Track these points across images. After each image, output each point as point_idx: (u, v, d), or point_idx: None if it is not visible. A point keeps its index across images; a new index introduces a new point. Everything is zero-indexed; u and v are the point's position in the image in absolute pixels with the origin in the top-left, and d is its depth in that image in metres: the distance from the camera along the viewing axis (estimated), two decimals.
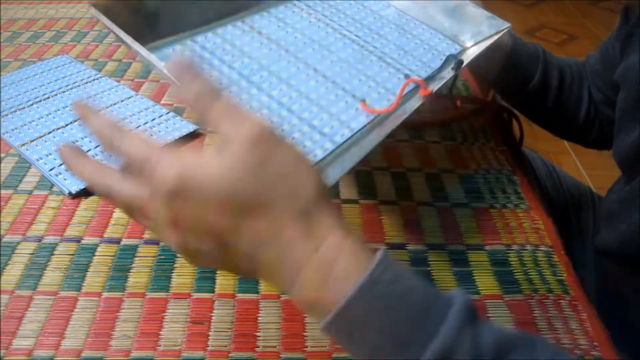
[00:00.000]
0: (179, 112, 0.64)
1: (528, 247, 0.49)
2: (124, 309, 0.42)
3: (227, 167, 0.27)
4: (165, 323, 0.41)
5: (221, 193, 0.27)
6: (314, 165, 0.30)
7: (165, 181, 0.27)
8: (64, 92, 0.66)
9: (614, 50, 0.57)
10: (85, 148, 0.57)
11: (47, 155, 0.56)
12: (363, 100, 0.47)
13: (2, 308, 0.41)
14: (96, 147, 0.57)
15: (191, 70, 0.30)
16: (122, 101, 0.65)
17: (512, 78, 0.62)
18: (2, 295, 0.42)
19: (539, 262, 0.48)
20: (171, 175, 0.27)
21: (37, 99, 0.65)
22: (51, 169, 0.54)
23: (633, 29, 0.53)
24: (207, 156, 0.28)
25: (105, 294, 0.43)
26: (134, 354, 0.39)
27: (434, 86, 0.49)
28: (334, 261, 0.27)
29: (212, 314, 0.42)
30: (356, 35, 0.55)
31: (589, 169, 1.67)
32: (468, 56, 0.56)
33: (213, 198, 0.27)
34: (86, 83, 0.68)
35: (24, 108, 0.63)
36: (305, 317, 0.42)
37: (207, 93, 0.29)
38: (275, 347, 0.40)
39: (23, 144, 0.57)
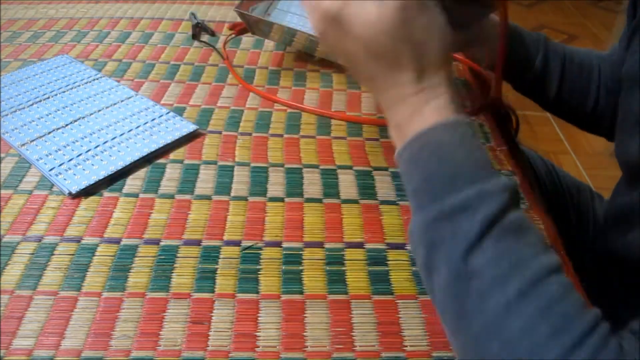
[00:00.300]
0: (179, 112, 0.64)
1: None
2: (124, 309, 0.42)
3: (379, 16, 0.34)
4: (165, 323, 0.41)
5: (366, 36, 0.34)
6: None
7: (327, 6, 0.35)
8: (64, 92, 0.66)
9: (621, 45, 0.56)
10: (84, 148, 0.57)
11: (47, 155, 0.56)
12: None
13: (2, 308, 0.41)
14: (96, 147, 0.57)
15: None
16: (122, 101, 0.65)
17: (512, 61, 0.60)
18: (2, 295, 0.42)
19: None
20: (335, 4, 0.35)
21: (37, 99, 0.65)
22: (51, 169, 0.54)
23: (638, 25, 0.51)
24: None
25: (105, 294, 0.43)
26: (134, 354, 0.39)
27: None
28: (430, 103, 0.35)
29: (212, 314, 0.42)
30: None
31: (589, 169, 1.68)
32: None
33: (359, 37, 0.35)
34: (86, 83, 0.68)
35: (24, 108, 0.63)
36: (305, 317, 0.42)
37: None
38: (275, 347, 0.40)
39: (23, 144, 0.57)
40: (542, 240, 0.32)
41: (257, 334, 0.41)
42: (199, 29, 0.84)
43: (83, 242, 0.47)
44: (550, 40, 0.62)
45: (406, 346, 0.40)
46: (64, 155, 0.56)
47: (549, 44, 0.62)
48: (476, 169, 0.33)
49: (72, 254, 0.46)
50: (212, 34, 0.84)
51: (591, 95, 0.62)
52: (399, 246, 0.49)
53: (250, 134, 0.62)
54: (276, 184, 0.55)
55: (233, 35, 0.84)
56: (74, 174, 0.53)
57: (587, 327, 0.28)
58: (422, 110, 0.35)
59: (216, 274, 0.45)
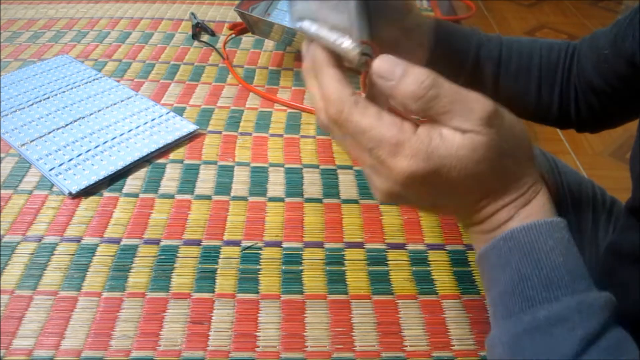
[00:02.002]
0: (179, 112, 0.64)
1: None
2: (124, 309, 0.42)
3: (470, 162, 0.29)
4: (165, 323, 0.41)
5: (459, 182, 0.30)
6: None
7: (403, 173, 0.29)
8: (64, 92, 0.66)
9: (631, 38, 0.52)
10: (84, 148, 0.57)
11: (47, 155, 0.56)
12: None
13: (2, 308, 0.41)
14: (96, 147, 0.57)
15: (400, 65, 0.29)
16: (122, 101, 0.65)
17: (443, 68, 0.57)
18: (2, 295, 0.42)
19: None
20: (409, 170, 0.29)
21: (37, 99, 0.65)
22: (51, 169, 0.54)
23: None
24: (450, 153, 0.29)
25: (105, 294, 0.43)
26: (134, 354, 0.39)
27: None
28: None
29: (212, 314, 0.42)
30: None
31: (589, 169, 1.68)
32: None
33: (449, 185, 0.30)
34: (86, 83, 0.68)
35: (24, 108, 0.63)
36: (305, 317, 0.42)
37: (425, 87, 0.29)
38: (275, 347, 0.40)
39: (23, 144, 0.57)
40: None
41: (257, 334, 0.41)
42: (199, 29, 0.84)
43: (83, 242, 0.47)
44: (484, 35, 0.59)
45: (406, 346, 0.40)
46: (64, 155, 0.56)
47: (482, 35, 0.59)
48: (575, 278, 0.29)
49: (72, 254, 0.46)
50: (212, 34, 0.84)
51: (532, 85, 0.60)
52: (399, 246, 0.49)
53: (250, 134, 0.62)
54: (276, 184, 0.55)
55: (233, 35, 0.84)
56: (74, 174, 0.53)
57: None
58: (512, 216, 0.31)
59: (216, 274, 0.45)
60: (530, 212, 0.31)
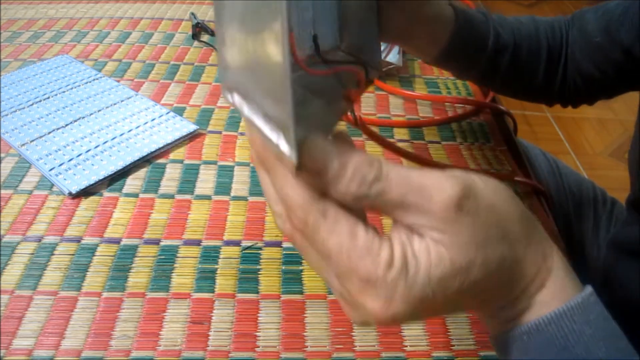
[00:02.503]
0: (179, 112, 0.64)
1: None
2: (124, 309, 0.42)
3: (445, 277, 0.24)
4: (165, 323, 0.41)
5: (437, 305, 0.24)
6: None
7: (379, 314, 0.24)
8: (64, 92, 0.66)
9: (627, 27, 0.51)
10: (84, 148, 0.57)
11: (47, 155, 0.56)
12: None
13: (2, 308, 0.41)
14: (96, 147, 0.57)
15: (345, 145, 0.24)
16: (122, 101, 0.65)
17: (465, 47, 0.52)
18: (2, 295, 0.42)
19: None
20: (386, 314, 0.24)
21: (37, 99, 0.65)
22: (51, 169, 0.54)
23: None
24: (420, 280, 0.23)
25: (105, 294, 0.43)
26: (134, 354, 0.39)
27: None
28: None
29: (212, 314, 0.42)
30: None
31: (589, 169, 1.68)
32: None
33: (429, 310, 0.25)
34: (86, 83, 0.68)
35: (24, 108, 0.63)
36: (305, 317, 0.42)
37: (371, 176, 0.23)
38: (275, 347, 0.40)
39: (23, 144, 0.57)
40: None
41: (257, 334, 0.41)
42: (199, 29, 0.84)
43: (83, 242, 0.47)
44: (494, 20, 0.55)
45: (406, 346, 0.40)
46: (64, 155, 0.56)
47: (495, 22, 0.55)
48: None
49: (72, 254, 0.46)
50: (212, 34, 0.84)
51: (540, 67, 0.58)
52: None
53: None
54: None
55: None
56: (74, 174, 0.53)
57: None
58: (528, 306, 0.26)
59: (216, 274, 0.45)
60: (549, 295, 0.26)
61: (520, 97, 0.62)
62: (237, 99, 0.25)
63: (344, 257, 0.23)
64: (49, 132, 0.59)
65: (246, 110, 0.24)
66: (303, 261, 0.46)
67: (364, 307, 0.24)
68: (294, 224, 0.24)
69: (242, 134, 0.62)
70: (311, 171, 0.23)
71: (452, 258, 0.23)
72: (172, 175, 0.55)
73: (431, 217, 0.23)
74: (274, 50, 0.21)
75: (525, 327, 0.26)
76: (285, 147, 0.22)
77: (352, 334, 0.41)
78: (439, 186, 0.23)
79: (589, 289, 0.27)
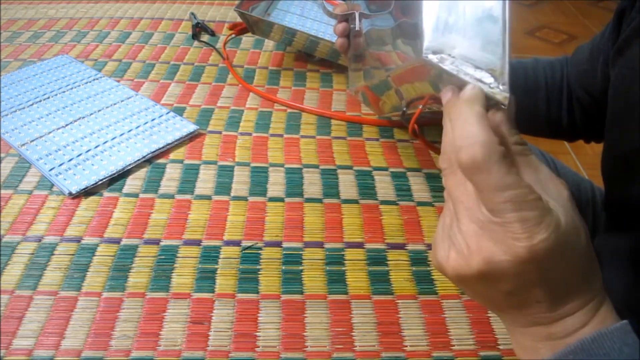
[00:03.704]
0: (179, 112, 0.64)
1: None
2: (124, 309, 0.42)
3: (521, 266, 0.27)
4: (165, 323, 0.41)
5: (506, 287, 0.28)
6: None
7: (538, 246, 0.26)
8: (64, 92, 0.66)
9: (604, 54, 0.55)
10: (85, 148, 0.57)
11: (47, 155, 0.56)
12: None
13: (2, 308, 0.41)
14: (96, 147, 0.57)
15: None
16: (122, 101, 0.65)
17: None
18: (2, 295, 0.42)
19: None
20: (545, 245, 0.26)
21: (37, 99, 0.65)
22: (51, 169, 0.54)
23: (631, 36, 0.48)
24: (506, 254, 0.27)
25: (105, 294, 0.43)
26: (134, 354, 0.39)
27: None
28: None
29: (212, 314, 0.42)
30: None
31: (589, 169, 1.67)
32: None
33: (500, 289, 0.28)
34: (86, 83, 0.68)
35: (24, 108, 0.63)
36: (306, 317, 0.42)
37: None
38: (275, 347, 0.40)
39: (23, 144, 0.57)
40: None
41: (257, 334, 0.41)
42: (199, 29, 0.84)
43: (83, 242, 0.47)
44: (538, 71, 0.62)
45: (406, 346, 0.40)
46: (64, 155, 0.56)
47: (545, 80, 0.61)
48: None
49: (72, 254, 0.46)
50: (212, 34, 0.84)
51: (540, 103, 0.62)
52: (399, 246, 0.49)
53: (250, 134, 0.62)
54: (276, 184, 0.55)
55: (233, 35, 0.84)
56: (74, 174, 0.53)
57: None
58: (587, 322, 0.29)
59: (216, 274, 0.45)
60: (603, 316, 0.29)
61: (536, 133, 0.66)
62: (441, 57, 0.31)
63: (518, 191, 0.26)
64: (49, 132, 0.59)
65: (452, 64, 0.30)
66: (303, 261, 0.47)
67: (505, 235, 0.26)
68: (473, 156, 0.26)
69: (242, 134, 0.62)
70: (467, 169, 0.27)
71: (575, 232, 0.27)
72: (172, 175, 0.55)
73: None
74: (496, 19, 0.29)
75: (572, 346, 0.28)
76: (496, 84, 0.29)
77: (352, 334, 0.41)
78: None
79: (625, 321, 0.29)
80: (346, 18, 0.59)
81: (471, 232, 0.27)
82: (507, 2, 0.29)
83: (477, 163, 0.26)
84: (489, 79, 0.29)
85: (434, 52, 0.32)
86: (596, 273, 0.30)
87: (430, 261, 0.47)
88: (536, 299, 0.28)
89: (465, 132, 0.27)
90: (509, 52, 0.29)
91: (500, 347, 0.41)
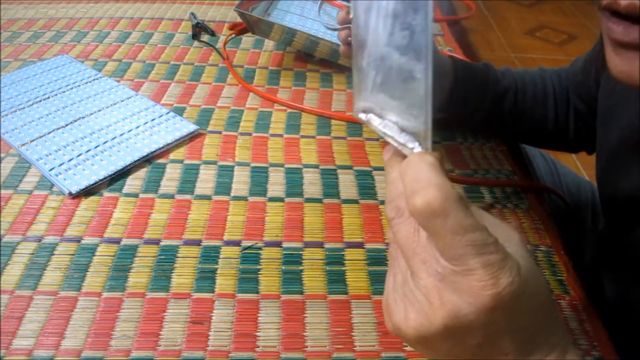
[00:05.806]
0: (179, 112, 0.64)
1: (528, 247, 0.49)
2: (124, 309, 0.42)
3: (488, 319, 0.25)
4: (165, 323, 0.41)
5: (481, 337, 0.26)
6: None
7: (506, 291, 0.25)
8: (64, 92, 0.66)
9: (595, 64, 0.56)
10: (85, 148, 0.57)
11: (47, 155, 0.56)
12: None
13: (2, 308, 0.41)
14: (96, 147, 0.57)
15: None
16: (122, 101, 0.65)
17: (461, 107, 0.58)
18: (2, 295, 0.42)
19: (539, 262, 0.48)
20: (512, 288, 0.25)
21: (37, 99, 0.65)
22: (51, 169, 0.54)
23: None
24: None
25: (105, 294, 0.43)
26: (134, 354, 0.39)
27: None
28: None
29: (212, 314, 0.42)
30: None
31: (590, 169, 1.67)
32: None
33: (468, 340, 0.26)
34: (86, 83, 0.68)
35: (24, 108, 0.63)
36: (306, 317, 0.42)
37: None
38: (275, 347, 0.40)
39: (23, 144, 0.57)
40: None
41: (257, 334, 0.41)
42: (199, 29, 0.84)
43: (83, 242, 0.47)
44: (496, 73, 0.60)
45: (406, 346, 0.40)
46: (64, 155, 0.56)
47: (496, 70, 0.60)
48: None
49: (72, 254, 0.46)
50: (212, 34, 0.84)
51: (550, 114, 0.62)
52: None
53: (250, 134, 0.62)
54: (276, 184, 0.55)
55: (233, 35, 0.84)
56: (74, 174, 0.53)
57: None
58: None
59: (216, 274, 0.45)
60: None
61: (542, 145, 0.66)
62: (371, 117, 0.31)
63: (479, 233, 0.24)
64: (49, 132, 0.59)
65: (380, 125, 0.30)
66: (303, 261, 0.47)
67: (469, 284, 0.24)
68: (428, 201, 0.24)
69: (242, 133, 0.62)
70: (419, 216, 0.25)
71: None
72: (172, 175, 0.55)
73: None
74: (419, 81, 0.27)
75: None
76: (419, 149, 0.28)
77: (352, 334, 0.41)
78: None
79: None
80: (348, 27, 0.59)
81: (431, 287, 0.25)
82: (429, 64, 0.25)
83: (433, 207, 0.24)
84: (412, 143, 0.28)
85: (364, 111, 0.32)
86: (559, 318, 0.28)
87: None
88: (504, 351, 0.26)
89: (418, 176, 0.25)
90: (433, 115, 0.27)
91: None
